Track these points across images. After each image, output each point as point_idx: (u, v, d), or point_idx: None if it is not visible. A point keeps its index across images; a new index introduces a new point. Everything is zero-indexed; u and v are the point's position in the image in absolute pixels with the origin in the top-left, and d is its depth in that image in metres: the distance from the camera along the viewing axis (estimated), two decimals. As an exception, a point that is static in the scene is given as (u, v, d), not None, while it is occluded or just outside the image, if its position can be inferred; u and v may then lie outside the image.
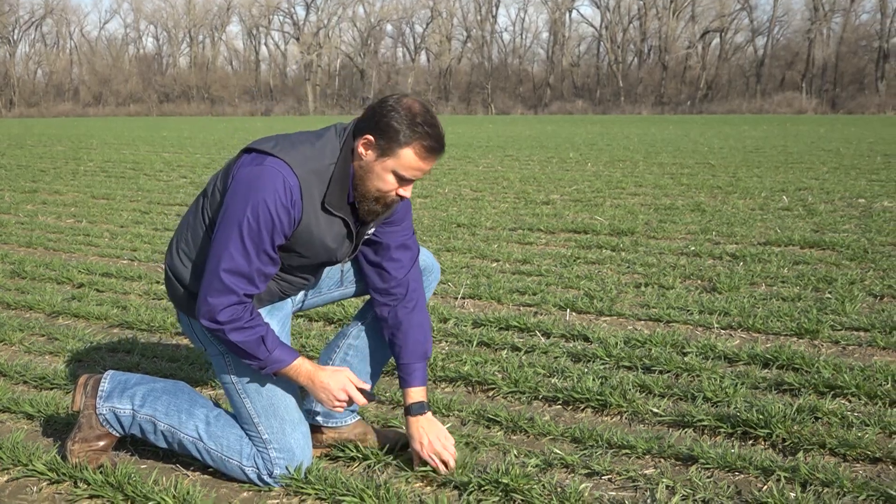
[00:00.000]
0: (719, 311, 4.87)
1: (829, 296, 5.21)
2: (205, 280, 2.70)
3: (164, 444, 3.00)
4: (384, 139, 2.66)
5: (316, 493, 2.80)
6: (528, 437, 3.30)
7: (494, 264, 6.55)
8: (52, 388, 3.94)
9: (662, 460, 3.04)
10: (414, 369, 2.98)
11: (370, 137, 2.68)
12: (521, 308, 5.18)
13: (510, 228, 8.18)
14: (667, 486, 2.79)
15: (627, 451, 3.10)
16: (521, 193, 10.96)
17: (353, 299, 5.01)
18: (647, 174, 13.29)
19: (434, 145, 2.67)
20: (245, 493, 2.89)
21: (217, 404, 3.06)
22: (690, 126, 33.99)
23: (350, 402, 2.86)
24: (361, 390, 2.87)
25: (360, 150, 2.70)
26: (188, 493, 2.76)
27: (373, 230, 2.91)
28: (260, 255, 2.66)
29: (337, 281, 3.14)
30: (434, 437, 2.92)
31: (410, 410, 2.97)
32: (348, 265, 3.12)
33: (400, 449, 3.11)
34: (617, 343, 4.25)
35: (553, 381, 3.80)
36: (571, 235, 7.75)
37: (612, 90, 72.76)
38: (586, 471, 2.95)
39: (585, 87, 75.82)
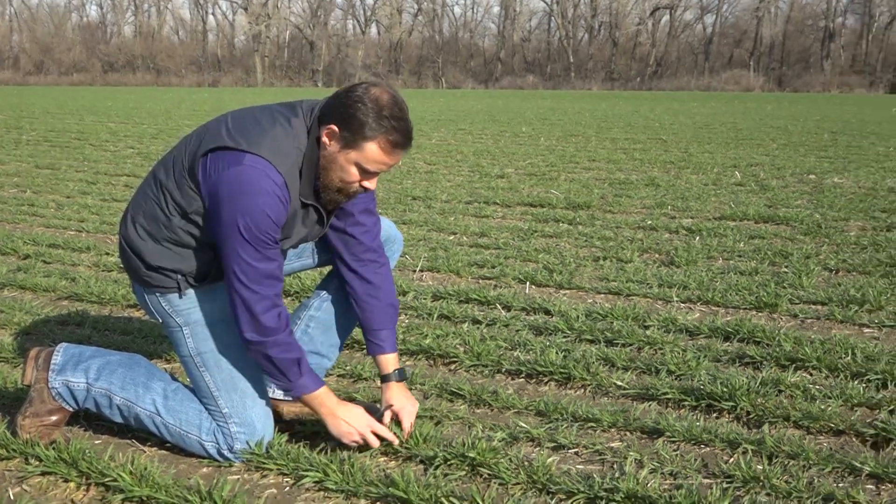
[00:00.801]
0: (678, 285, 4.86)
1: (785, 270, 5.24)
2: (232, 299, 2.64)
3: (119, 419, 2.90)
4: (349, 131, 2.58)
5: (278, 469, 2.74)
6: (493, 410, 3.25)
7: (452, 237, 6.50)
8: (-1, 362, 3.82)
9: (628, 433, 3.02)
10: (386, 336, 2.94)
11: (334, 128, 2.60)
12: (481, 281, 5.14)
13: (466, 202, 8.12)
14: (635, 460, 2.77)
15: (593, 424, 3.07)
16: (476, 167, 10.90)
17: (310, 272, 4.94)
18: (600, 149, 13.30)
19: (400, 140, 2.60)
20: (204, 469, 2.81)
21: (175, 378, 2.97)
22: (640, 102, 34.16)
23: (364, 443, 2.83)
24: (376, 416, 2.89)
25: (325, 139, 2.63)
26: (146, 468, 2.67)
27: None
28: (270, 252, 2.61)
29: (297, 252, 3.06)
30: (412, 408, 2.92)
31: (391, 377, 2.93)
32: (312, 250, 3.06)
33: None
34: (578, 316, 4.22)
35: (516, 354, 3.76)
36: (528, 209, 7.72)
37: (563, 66, 72.83)
38: (552, 444, 2.92)
39: (536, 63, 75.85)
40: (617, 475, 2.67)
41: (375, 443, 2.80)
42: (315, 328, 3.05)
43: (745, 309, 4.45)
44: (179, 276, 2.74)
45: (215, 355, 2.78)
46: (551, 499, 2.57)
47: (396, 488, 2.54)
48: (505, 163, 11.41)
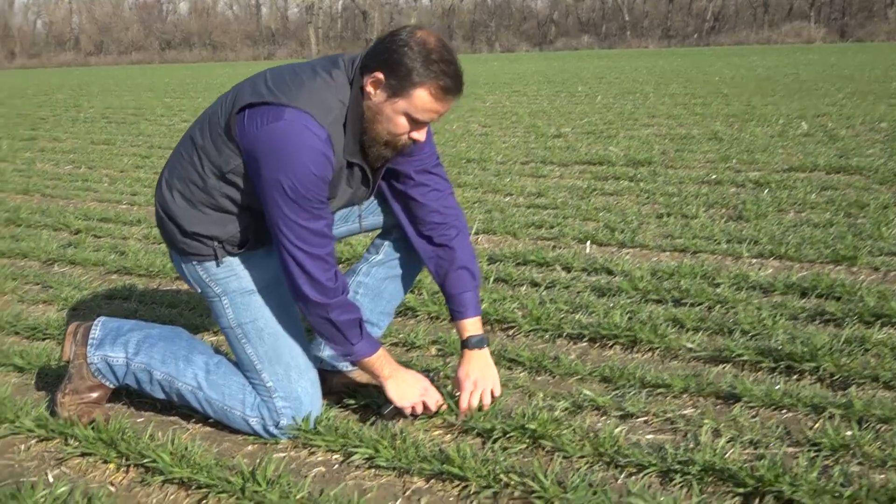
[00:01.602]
0: (748, 240, 4.60)
1: (862, 220, 4.94)
2: (285, 263, 2.47)
3: (161, 395, 2.76)
4: (395, 78, 2.37)
5: (326, 445, 2.57)
6: (554, 377, 3.06)
7: (508, 198, 6.28)
8: (44, 339, 3.71)
9: (702, 399, 2.80)
10: (466, 299, 2.76)
11: (379, 75, 2.39)
12: (539, 242, 4.92)
13: (522, 162, 7.89)
14: (710, 429, 2.55)
15: (663, 390, 2.85)
16: (531, 127, 10.63)
17: (361, 237, 4.78)
18: (659, 105, 12.92)
19: (451, 85, 2.39)
20: (249, 447, 2.66)
21: (218, 351, 2.82)
22: (699, 58, 33.36)
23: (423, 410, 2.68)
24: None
25: (369, 89, 2.42)
26: (187, 448, 2.53)
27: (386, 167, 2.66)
28: (319, 210, 2.43)
29: (341, 216, 2.88)
30: (485, 381, 2.72)
31: (469, 343, 2.74)
32: (359, 214, 2.88)
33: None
34: (643, 276, 3.99)
35: (577, 317, 3.54)
36: (586, 167, 7.46)
37: (618, 25, 71.59)
38: (619, 412, 2.71)
39: (590, 23, 74.66)
40: (691, 445, 2.46)
41: (434, 407, 2.65)
42: (364, 294, 2.88)
43: (822, 263, 4.17)
44: (216, 244, 2.58)
45: (256, 326, 2.62)
46: (620, 472, 2.37)
47: (451, 465, 2.36)
48: (561, 122, 11.12)
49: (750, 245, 4.51)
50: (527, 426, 2.53)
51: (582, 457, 2.44)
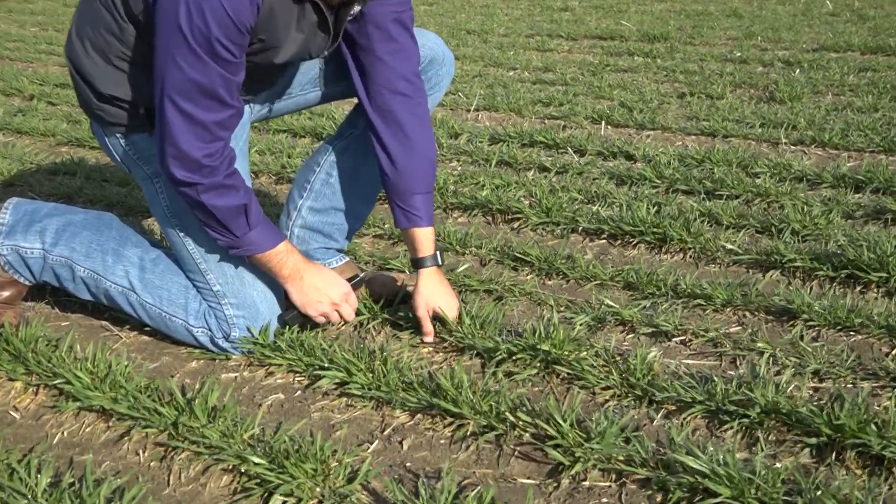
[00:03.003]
0: (786, 124, 4.02)
1: (912, 106, 4.36)
2: (157, 116, 1.89)
3: (87, 296, 2.24)
4: None
5: (288, 365, 2.07)
6: (568, 281, 2.54)
7: (511, 73, 5.67)
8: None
9: (749, 314, 2.29)
10: (422, 203, 2.19)
11: None
12: (547, 121, 4.35)
13: (526, 35, 7.22)
14: (769, 355, 2.04)
15: (701, 301, 2.34)
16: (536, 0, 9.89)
17: (342, 103, 4.21)
18: (672, -20, 12.10)
19: None
20: (193, 363, 2.16)
21: (157, 244, 2.29)
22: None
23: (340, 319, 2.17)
24: (353, 281, 2.21)
25: None
26: (111, 366, 2.01)
27: (357, 9, 2.04)
28: (219, 63, 1.82)
29: (313, 79, 2.31)
30: (451, 302, 2.19)
31: (426, 261, 2.20)
32: (320, 67, 2.27)
33: (401, 301, 2.35)
34: (669, 161, 3.44)
35: (595, 209, 3.01)
36: (596, 42, 6.81)
37: None
38: (651, 330, 2.20)
39: None
40: (744, 375, 1.95)
41: (351, 315, 2.16)
42: (339, 177, 2.32)
43: (872, 152, 3.62)
44: (142, 110, 2.02)
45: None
46: (656, 411, 1.87)
47: (443, 397, 1.86)
48: (567, -5, 10.35)
49: (788, 130, 3.95)
50: (538, 346, 2.02)
51: (607, 388, 1.94)
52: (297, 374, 2.05)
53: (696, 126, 4.08)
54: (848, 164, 3.40)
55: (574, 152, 3.72)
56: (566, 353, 2.02)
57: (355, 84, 2.17)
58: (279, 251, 2.04)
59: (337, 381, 1.98)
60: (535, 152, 3.73)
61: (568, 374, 1.99)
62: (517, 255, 2.67)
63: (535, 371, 2.01)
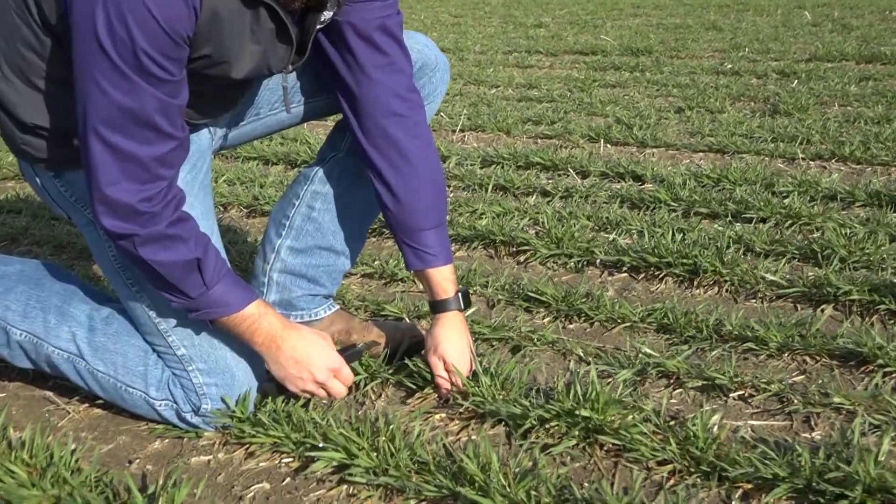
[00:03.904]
0: (799, 138, 3.72)
1: (928, 115, 4.08)
2: (82, 152, 1.51)
3: (27, 364, 1.86)
4: None
5: (274, 443, 1.70)
6: (592, 324, 2.20)
7: (494, 90, 5.34)
8: None
9: (809, 360, 1.95)
10: (435, 239, 1.84)
11: None
12: (540, 140, 4.01)
13: (504, 52, 6.91)
14: (853, 414, 1.70)
15: (752, 346, 2.00)
16: (508, 17, 9.61)
17: (322, 124, 3.86)
18: (644, -5, 11.88)
19: None
20: (156, 444, 1.78)
21: (110, 298, 1.91)
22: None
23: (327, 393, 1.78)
24: (348, 352, 1.82)
25: None
26: (53, 455, 1.63)
27: (329, 15, 1.68)
28: (152, 81, 1.45)
29: (281, 98, 1.95)
30: (451, 352, 1.83)
31: (450, 304, 1.85)
32: (284, 83, 1.89)
33: (407, 353, 1.99)
34: (685, 182, 3.12)
35: (610, 237, 2.68)
36: (578, 57, 6.51)
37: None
38: (700, 383, 1.86)
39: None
40: (829, 441, 1.61)
41: (341, 393, 1.77)
42: (322, 210, 1.96)
43: (900, 166, 3.32)
44: (75, 141, 1.64)
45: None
46: (730, 491, 1.52)
47: (468, 483, 1.50)
48: (539, 13, 10.08)
49: (804, 144, 3.64)
50: (575, 412, 1.67)
51: (664, 462, 1.59)
52: (285, 455, 1.68)
53: (702, 142, 3.77)
54: (882, 181, 3.09)
55: (576, 174, 3.39)
56: (610, 419, 1.67)
57: (341, 106, 1.82)
58: (248, 314, 1.66)
59: (335, 463, 1.61)
60: (533, 175, 3.39)
61: (614, 445, 1.64)
62: (530, 294, 2.32)
63: (573, 442, 1.65)
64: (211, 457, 1.71)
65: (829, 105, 4.45)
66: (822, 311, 2.19)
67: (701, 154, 3.66)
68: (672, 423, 1.69)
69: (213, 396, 1.73)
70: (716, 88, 4.97)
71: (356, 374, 1.88)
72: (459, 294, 1.85)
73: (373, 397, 1.88)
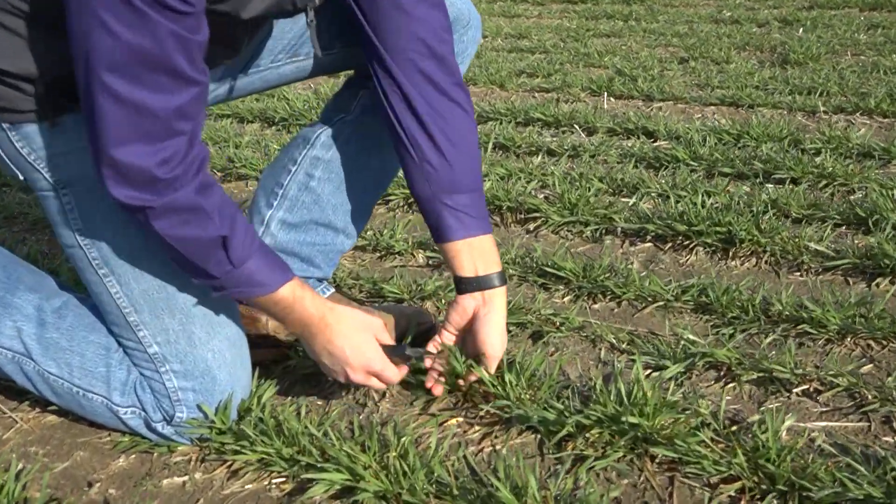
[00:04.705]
0: (818, 90, 3.45)
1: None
2: (84, 106, 1.23)
3: (-35, 363, 1.57)
4: None
5: (261, 460, 1.42)
6: (619, 304, 1.93)
7: (482, 41, 5.02)
8: None
9: (873, 345, 1.70)
10: (472, 202, 1.55)
11: None
12: (538, 95, 3.73)
13: (488, 1, 6.58)
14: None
15: (808, 328, 1.74)
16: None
17: (303, 86, 3.57)
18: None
19: None
20: (121, 460, 1.49)
21: (65, 286, 1.62)
22: None
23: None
24: (396, 351, 1.49)
25: None
26: (-6, 481, 1.35)
27: None
28: (168, 13, 1.15)
29: (289, 45, 1.65)
30: (494, 337, 1.54)
31: (493, 280, 1.55)
32: (310, 20, 1.57)
33: (414, 343, 1.71)
34: (704, 138, 2.84)
35: (630, 202, 2.41)
36: (567, 6, 6.20)
37: None
38: (755, 376, 1.60)
39: None
40: (923, 452, 1.36)
41: (382, 388, 1.51)
42: (323, 179, 1.67)
43: (931, 119, 3.07)
44: (38, 87, 1.35)
45: (129, 243, 1.42)
46: (816, 517, 1.27)
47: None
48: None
49: (823, 96, 3.38)
50: (619, 416, 1.41)
51: (730, 479, 1.33)
52: (275, 475, 1.40)
53: (712, 95, 3.49)
54: (912, 135, 2.83)
55: (581, 130, 3.11)
56: (658, 424, 1.40)
57: (368, 44, 1.51)
58: (281, 298, 1.38)
59: (336, 485, 1.34)
60: (535, 132, 3.10)
61: (668, 458, 1.37)
62: (546, 268, 2.05)
63: (620, 454, 1.39)
64: (186, 477, 1.43)
65: (840, 54, 4.19)
66: (878, 285, 1.93)
67: (713, 108, 3.38)
68: (734, 428, 1.43)
69: (189, 403, 1.45)
70: (718, 38, 4.69)
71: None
72: (499, 272, 1.58)
73: (376, 398, 1.60)
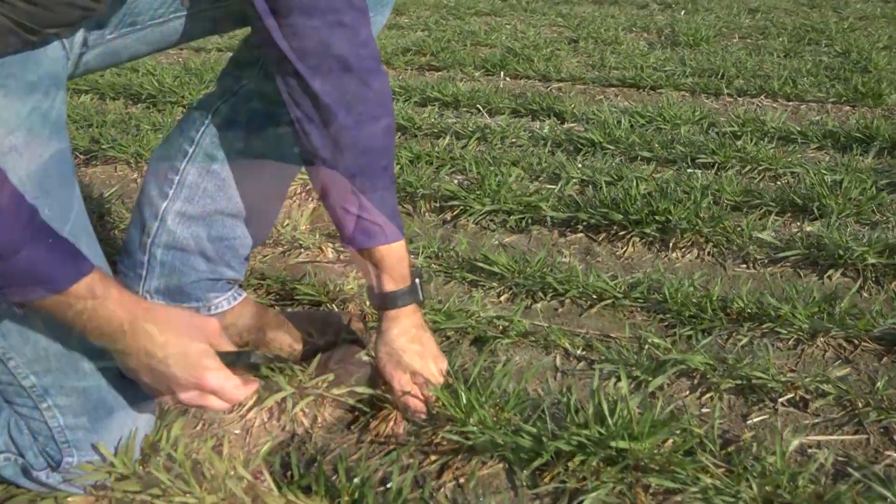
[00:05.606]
0: (716, 72, 3.35)
1: (828, 46, 3.81)
2: None
3: None
4: None
5: (177, 511, 1.15)
6: (563, 303, 1.73)
7: (358, 17, 4.76)
8: None
9: (848, 345, 1.55)
10: (385, 201, 1.28)
11: None
12: (428, 73, 3.50)
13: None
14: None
15: (775, 327, 1.59)
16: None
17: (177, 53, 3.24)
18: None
19: None
20: (-7, 517, 1.20)
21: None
22: None
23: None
24: (239, 359, 1.17)
25: None
26: None
27: None
28: None
29: (168, 3, 1.36)
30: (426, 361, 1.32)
31: (393, 300, 1.31)
32: None
33: (341, 358, 1.46)
34: (619, 121, 2.68)
35: (555, 189, 2.21)
36: (440, -16, 6.00)
37: None
38: (734, 383, 1.43)
39: None
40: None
41: (222, 406, 1.15)
42: (228, 160, 1.38)
43: (835, 103, 3.00)
44: None
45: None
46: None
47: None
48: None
49: (724, 79, 3.28)
50: (609, 443, 1.20)
51: (738, 512, 1.14)
52: (196, 531, 1.14)
53: (610, 76, 3.35)
54: (834, 120, 2.75)
55: (485, 111, 2.90)
56: (648, 448, 1.21)
57: (256, 7, 1.23)
58: (77, 297, 1.03)
59: (276, 543, 1.08)
60: (435, 112, 2.88)
61: (661, 487, 1.18)
62: (476, 263, 1.83)
63: (610, 486, 1.18)
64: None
65: (728, 37, 4.14)
66: (830, 277, 1.80)
67: (615, 89, 3.24)
68: (731, 448, 1.25)
69: (80, 444, 1.16)
70: (601, 19, 4.58)
71: (280, 388, 1.35)
72: (417, 281, 1.33)
73: (306, 424, 1.35)
